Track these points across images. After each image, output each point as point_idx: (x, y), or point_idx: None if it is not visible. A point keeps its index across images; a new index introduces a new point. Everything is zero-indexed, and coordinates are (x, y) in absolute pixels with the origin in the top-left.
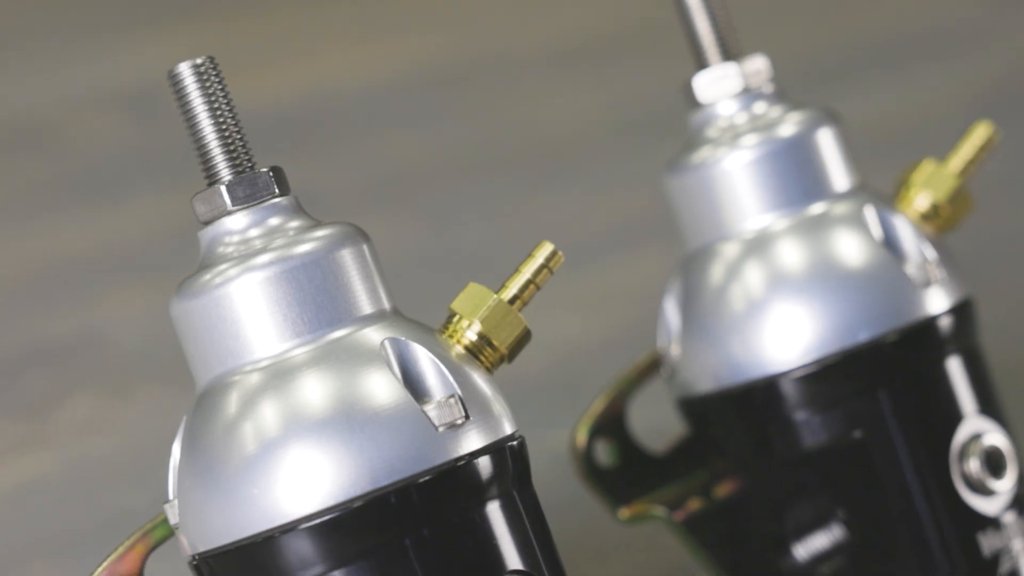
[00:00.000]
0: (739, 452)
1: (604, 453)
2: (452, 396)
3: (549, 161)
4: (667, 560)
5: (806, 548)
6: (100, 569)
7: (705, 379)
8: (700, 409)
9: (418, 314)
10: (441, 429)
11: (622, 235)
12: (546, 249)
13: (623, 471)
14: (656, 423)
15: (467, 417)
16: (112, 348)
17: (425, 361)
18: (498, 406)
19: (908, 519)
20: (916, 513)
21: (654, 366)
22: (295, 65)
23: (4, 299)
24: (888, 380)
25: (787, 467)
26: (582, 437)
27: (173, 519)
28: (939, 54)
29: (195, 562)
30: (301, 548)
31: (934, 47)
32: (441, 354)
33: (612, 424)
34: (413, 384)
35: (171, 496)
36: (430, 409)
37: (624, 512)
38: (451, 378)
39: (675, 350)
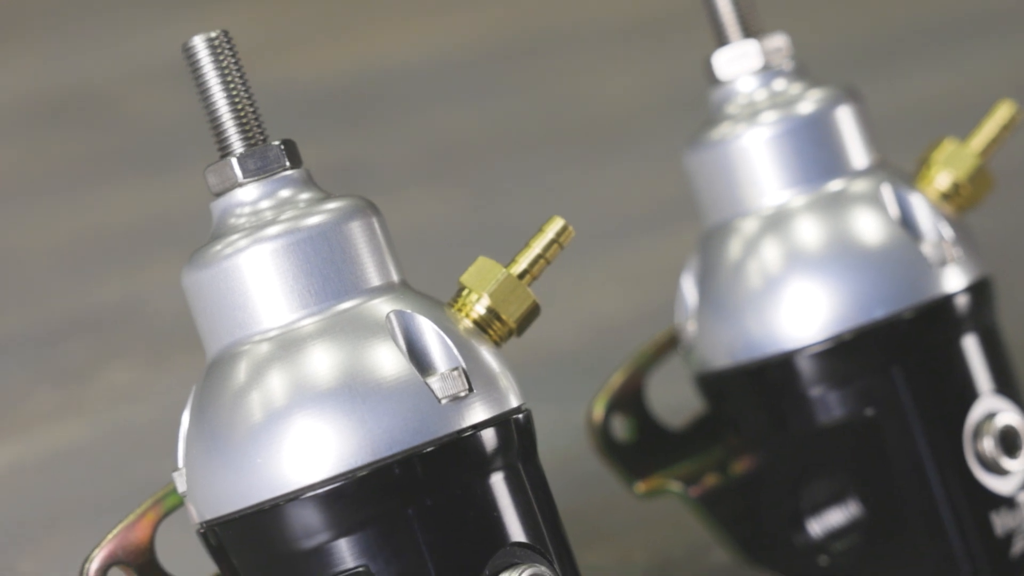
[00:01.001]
0: (754, 428)
1: (621, 428)
2: (456, 369)
3: (598, 137)
4: (684, 536)
5: (820, 524)
6: (111, 535)
7: (721, 355)
8: (716, 385)
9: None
10: (444, 401)
11: (669, 212)
12: (557, 224)
13: (640, 446)
14: (676, 399)
15: (471, 390)
16: (152, 318)
17: (430, 334)
18: (504, 380)
19: (921, 497)
20: (929, 491)
21: (673, 342)
22: (352, 39)
23: (52, 267)
24: (903, 357)
25: (802, 444)
26: (599, 411)
27: (181, 487)
28: (983, 35)
29: (202, 530)
30: (306, 516)
31: (978, 28)
32: (447, 327)
33: (630, 399)
34: (418, 356)
35: (180, 464)
36: (433, 381)
37: (640, 486)
38: (456, 351)
39: (692, 326)
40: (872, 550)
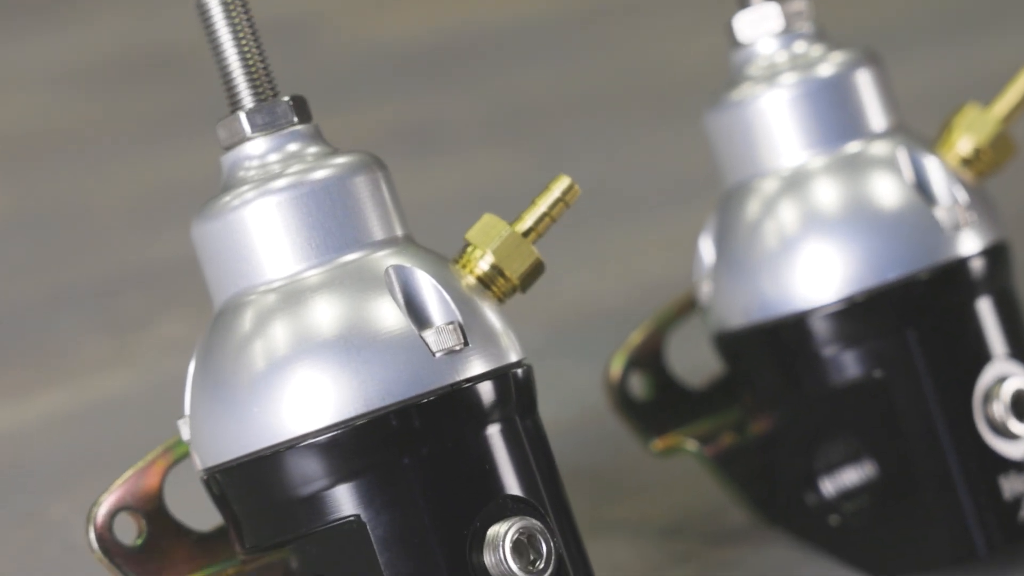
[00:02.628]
0: (768, 388)
1: (639, 385)
2: (452, 323)
3: (670, 101)
4: (705, 495)
5: (832, 485)
6: (120, 481)
7: (736, 314)
8: (731, 344)
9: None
10: (439, 355)
11: None
12: (563, 183)
13: (657, 404)
14: (699, 359)
15: (466, 344)
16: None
17: (428, 288)
18: (504, 335)
19: (930, 459)
20: (938, 454)
21: (694, 302)
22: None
23: (117, 220)
24: (915, 319)
25: (815, 404)
26: (616, 368)
27: (185, 435)
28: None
29: (205, 478)
30: (301, 464)
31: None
32: (448, 282)
33: (649, 357)
34: (415, 310)
35: (187, 412)
36: (428, 335)
37: (656, 444)
38: (453, 305)
39: (708, 286)
40: (882, 511)
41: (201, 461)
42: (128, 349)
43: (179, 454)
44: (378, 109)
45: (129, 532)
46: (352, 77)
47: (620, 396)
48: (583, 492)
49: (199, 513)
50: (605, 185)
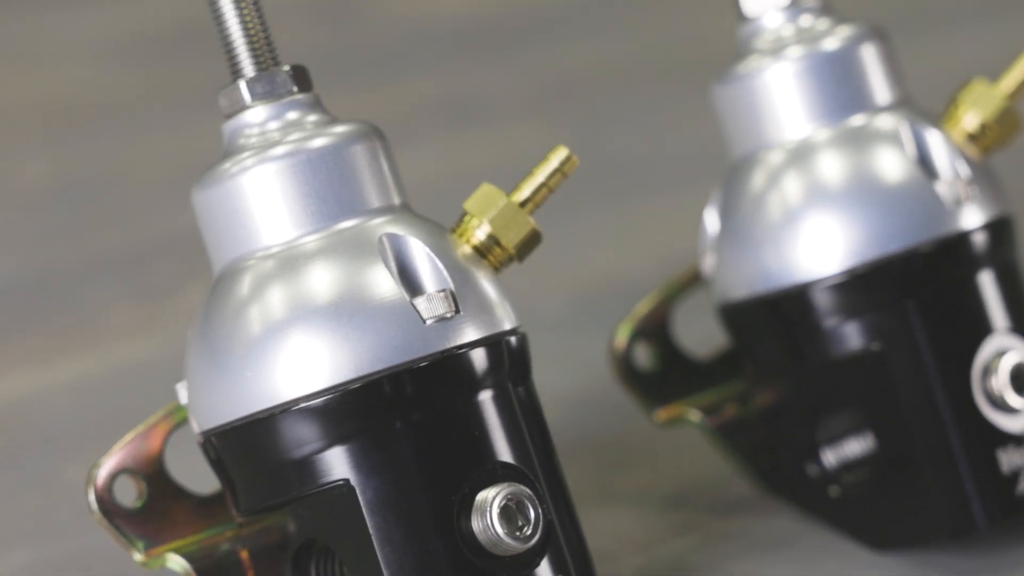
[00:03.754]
0: (770, 360)
1: (644, 356)
2: (443, 290)
3: (706, 76)
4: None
5: (831, 455)
6: (121, 444)
7: (739, 286)
8: (735, 316)
9: (560, 220)
10: (429, 322)
11: None
12: (561, 153)
13: (662, 375)
14: (707, 332)
15: (458, 311)
16: None
17: (421, 256)
18: (499, 304)
19: (928, 432)
20: (936, 426)
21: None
22: None
23: (151, 189)
24: (915, 292)
25: (816, 376)
26: (622, 338)
27: (183, 399)
28: None
29: (202, 440)
30: (293, 428)
31: None
32: (441, 250)
33: (655, 328)
34: (408, 278)
35: (186, 376)
36: (420, 302)
37: (660, 414)
38: (446, 273)
39: (713, 257)
40: (881, 482)
41: (198, 424)
42: (154, 317)
43: (180, 418)
44: (422, 82)
45: (129, 494)
46: (398, 50)
47: (624, 366)
48: (593, 462)
49: (201, 477)
50: (638, 159)
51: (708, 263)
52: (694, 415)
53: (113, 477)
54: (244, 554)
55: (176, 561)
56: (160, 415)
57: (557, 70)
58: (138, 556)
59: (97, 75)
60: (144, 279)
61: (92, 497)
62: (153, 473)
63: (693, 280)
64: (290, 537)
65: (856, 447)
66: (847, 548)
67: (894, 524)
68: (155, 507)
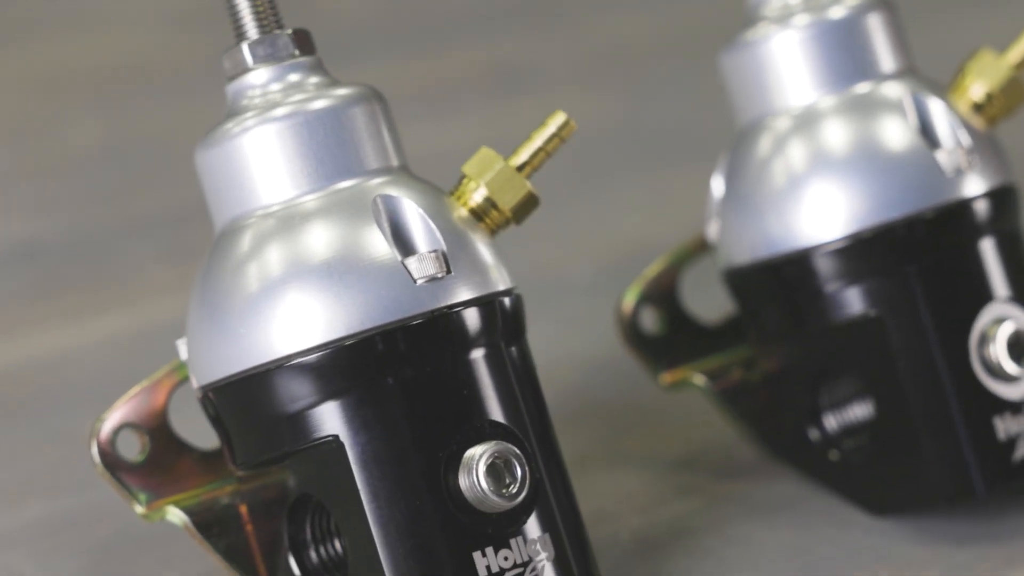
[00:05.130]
0: (773, 325)
1: (651, 320)
2: (435, 251)
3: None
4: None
5: (831, 420)
6: (125, 398)
7: (743, 251)
8: (738, 281)
9: (595, 186)
10: (420, 282)
11: None
12: (559, 118)
13: (669, 339)
14: (721, 297)
15: (449, 271)
16: None
17: (414, 217)
18: (493, 265)
19: (926, 397)
20: (934, 392)
21: None
22: None
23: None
24: (915, 259)
25: (816, 341)
26: (629, 302)
27: (183, 355)
28: None
29: (200, 396)
30: (286, 383)
31: None
32: (436, 212)
33: (662, 293)
34: (402, 238)
35: (187, 333)
36: (411, 262)
37: (665, 378)
38: (438, 234)
39: (718, 223)
40: (879, 448)
41: (197, 379)
42: (187, 278)
43: (184, 374)
44: (470, 50)
45: (132, 448)
46: (447, 19)
47: (631, 329)
48: (606, 424)
49: (206, 433)
50: (678, 128)
51: (713, 229)
52: (699, 379)
53: (116, 431)
54: (243, 509)
55: (175, 514)
56: (165, 371)
57: (605, 39)
58: (139, 509)
59: (152, 40)
60: (181, 241)
61: (95, 450)
62: (156, 428)
63: (702, 246)
64: (289, 493)
65: (857, 412)
66: (847, 513)
67: (892, 489)
68: (158, 461)
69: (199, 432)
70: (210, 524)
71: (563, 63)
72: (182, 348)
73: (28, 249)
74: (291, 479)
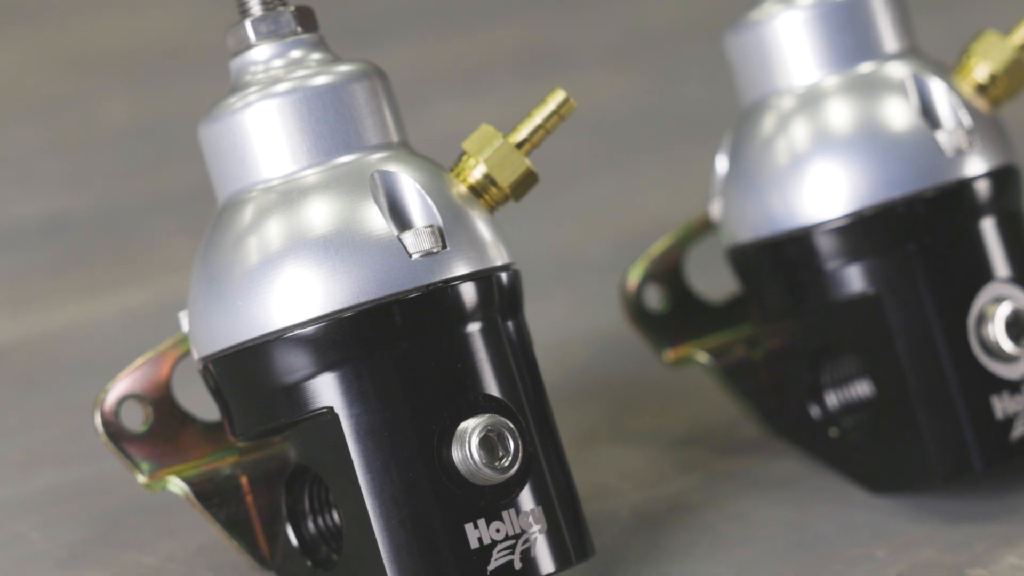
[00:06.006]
0: (775, 302)
1: (656, 297)
2: (431, 226)
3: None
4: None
5: (834, 398)
6: (129, 370)
7: (745, 229)
8: (741, 259)
9: (627, 166)
10: (415, 256)
11: None
12: (558, 96)
13: (673, 317)
14: (727, 276)
15: (444, 246)
16: None
17: (411, 193)
18: (491, 241)
19: (924, 376)
20: (932, 370)
21: None
22: None
23: None
24: (914, 239)
25: (816, 319)
26: (633, 279)
27: (185, 327)
28: None
29: (201, 367)
30: (282, 355)
31: None
32: (433, 188)
33: (667, 270)
34: (398, 214)
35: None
36: (406, 237)
37: (669, 355)
38: (435, 210)
39: (722, 201)
40: (878, 426)
41: (197, 351)
42: None
43: (187, 348)
44: (501, 31)
45: (136, 418)
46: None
47: (635, 306)
48: (613, 401)
49: (211, 405)
50: (707, 109)
51: (717, 207)
52: (702, 356)
53: (120, 402)
54: (244, 480)
55: (176, 484)
56: (170, 343)
57: (632, 20)
58: (141, 478)
59: (183, 19)
60: (205, 217)
61: (98, 420)
62: (160, 399)
63: (708, 225)
64: (289, 464)
65: (857, 390)
66: (846, 491)
67: (891, 467)
68: (161, 432)
69: (203, 404)
70: (210, 494)
71: (591, 45)
72: (183, 320)
73: (56, 223)
74: (292, 451)
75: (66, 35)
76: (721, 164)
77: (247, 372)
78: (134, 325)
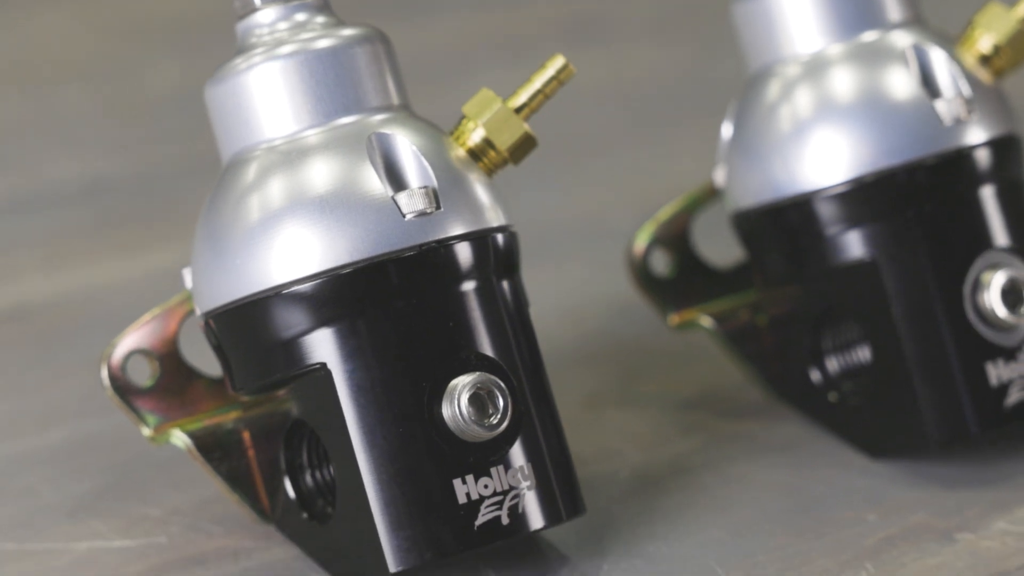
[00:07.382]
0: (776, 268)
1: (662, 262)
2: (425, 187)
3: None
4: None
5: (835, 363)
6: (138, 324)
7: (748, 195)
8: (745, 224)
9: (663, 135)
10: (409, 216)
11: None
12: (558, 62)
13: (679, 282)
14: (733, 242)
15: (439, 207)
16: None
17: (407, 154)
18: (488, 203)
19: (920, 342)
20: (927, 337)
21: None
22: None
23: None
24: (913, 206)
25: (817, 284)
26: (640, 243)
27: (188, 283)
28: None
29: (202, 323)
30: (276, 311)
31: None
32: (431, 150)
33: (674, 236)
34: (394, 175)
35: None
36: (401, 197)
37: (673, 319)
38: (431, 171)
39: (726, 168)
40: (876, 390)
41: (199, 307)
42: None
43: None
44: (546, 2)
45: (143, 373)
46: None
47: (641, 270)
48: (623, 365)
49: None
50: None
51: (721, 173)
52: (706, 320)
53: (127, 356)
54: (246, 435)
55: (179, 437)
56: (178, 299)
57: None
58: (146, 431)
59: None
60: None
61: (105, 374)
62: (167, 354)
63: (715, 191)
64: (290, 420)
65: (858, 355)
66: (846, 455)
67: (889, 432)
68: (167, 386)
69: (210, 360)
70: (212, 448)
71: (635, 15)
72: (187, 276)
73: (96, 185)
74: (292, 406)
75: (116, 3)
76: (726, 131)
77: (246, 327)
78: (162, 285)
